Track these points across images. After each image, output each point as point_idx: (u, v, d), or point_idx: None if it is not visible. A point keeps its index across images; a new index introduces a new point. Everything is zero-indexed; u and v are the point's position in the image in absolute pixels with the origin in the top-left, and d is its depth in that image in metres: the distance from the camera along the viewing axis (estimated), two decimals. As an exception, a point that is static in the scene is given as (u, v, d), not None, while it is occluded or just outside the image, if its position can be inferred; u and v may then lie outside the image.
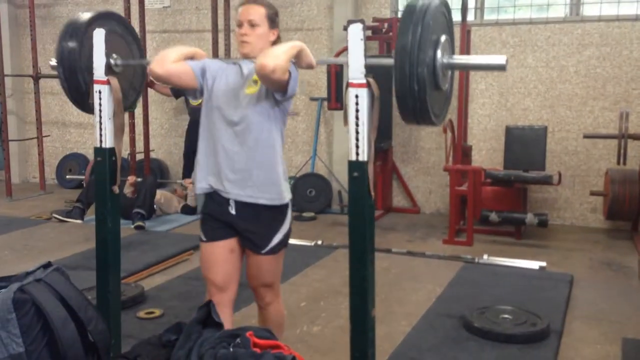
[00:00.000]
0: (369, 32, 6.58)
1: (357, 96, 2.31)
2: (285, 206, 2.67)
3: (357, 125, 2.32)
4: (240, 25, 2.58)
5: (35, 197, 7.56)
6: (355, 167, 2.35)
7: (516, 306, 3.74)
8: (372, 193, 2.37)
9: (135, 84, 2.85)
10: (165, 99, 7.69)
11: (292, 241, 3.46)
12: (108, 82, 2.68)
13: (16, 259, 4.91)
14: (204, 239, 2.72)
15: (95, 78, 2.68)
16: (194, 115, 7.19)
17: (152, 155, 7.38)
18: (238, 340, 2.35)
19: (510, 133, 6.10)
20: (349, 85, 2.32)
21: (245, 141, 2.56)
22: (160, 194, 6.54)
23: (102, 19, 2.62)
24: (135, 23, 6.72)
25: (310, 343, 3.39)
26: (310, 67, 2.42)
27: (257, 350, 2.31)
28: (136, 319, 3.66)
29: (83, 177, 7.59)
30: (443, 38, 2.04)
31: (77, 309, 2.50)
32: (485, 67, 2.23)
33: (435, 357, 3.18)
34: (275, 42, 2.60)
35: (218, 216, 2.66)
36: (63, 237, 5.62)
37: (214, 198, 2.66)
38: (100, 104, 2.70)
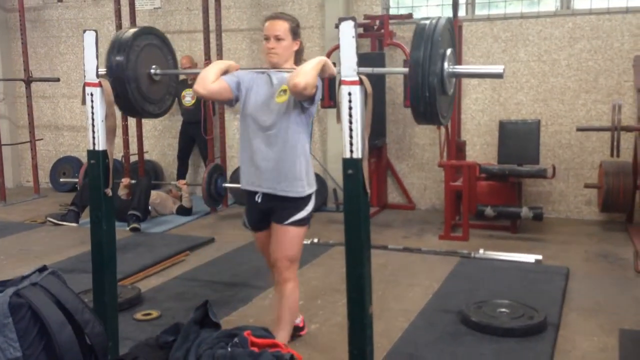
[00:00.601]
0: (361, 30, 6.58)
1: (350, 93, 2.31)
2: (307, 196, 3.00)
3: (350, 122, 2.33)
4: (267, 38, 2.93)
5: (30, 201, 7.54)
6: (350, 164, 2.36)
7: (513, 300, 3.74)
8: (367, 190, 2.37)
9: (170, 89, 3.07)
10: (158, 100, 7.66)
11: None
12: (100, 85, 2.68)
13: (11, 263, 4.90)
14: (248, 226, 3.20)
15: (86, 80, 2.68)
16: (187, 116, 7.19)
17: (146, 156, 7.37)
18: (236, 339, 2.36)
19: (503, 127, 6.11)
20: (341, 82, 2.32)
21: (275, 143, 2.91)
22: (155, 194, 6.53)
23: (144, 34, 2.83)
24: (126, 25, 6.71)
25: (308, 341, 3.39)
26: (332, 77, 2.73)
27: (255, 349, 2.31)
28: (133, 321, 3.65)
29: (77, 180, 7.57)
30: (449, 51, 2.30)
31: (74, 312, 2.49)
32: (484, 75, 2.62)
33: (433, 353, 3.18)
34: (298, 51, 2.99)
35: (251, 206, 3.10)
36: (58, 240, 5.60)
37: (250, 193, 3.08)
38: (92, 107, 2.69)
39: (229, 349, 2.30)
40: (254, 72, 3.05)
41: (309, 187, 3.00)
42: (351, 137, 2.33)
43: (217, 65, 2.93)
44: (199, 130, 6.88)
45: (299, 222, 3.01)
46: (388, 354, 3.17)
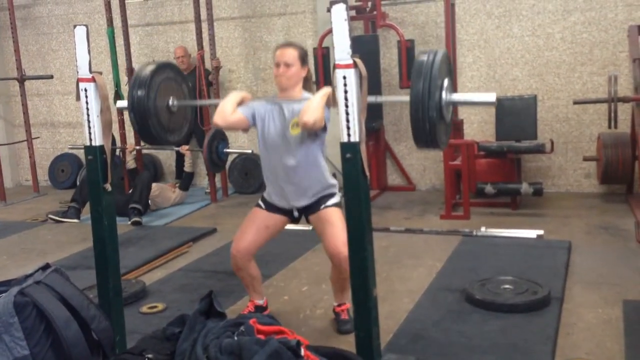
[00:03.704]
0: (353, 12, 6.54)
1: (344, 77, 2.31)
2: (332, 190, 3.27)
3: (346, 106, 2.32)
4: (277, 65, 3.12)
5: (30, 200, 7.53)
6: (348, 148, 2.36)
7: (516, 276, 3.76)
8: (367, 173, 2.37)
9: (187, 116, 3.22)
10: (153, 92, 7.64)
11: (290, 226, 3.50)
12: (93, 80, 2.67)
13: (14, 262, 4.90)
14: (263, 205, 3.34)
15: (79, 76, 2.67)
16: (183, 107, 7.16)
17: (144, 150, 7.35)
18: (242, 328, 2.36)
19: (500, 104, 6.08)
20: (335, 66, 2.31)
21: (296, 171, 3.16)
22: (155, 187, 6.52)
23: (161, 68, 2.98)
24: (116, 18, 6.67)
25: (314, 326, 3.41)
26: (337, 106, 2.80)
27: (262, 336, 2.32)
28: (139, 315, 3.67)
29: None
30: (446, 82, 2.39)
31: (79, 309, 2.50)
32: (479, 103, 2.75)
33: (439, 332, 3.20)
34: (307, 77, 3.20)
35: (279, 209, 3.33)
36: (60, 237, 5.61)
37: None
38: (87, 102, 2.69)
39: (236, 338, 2.30)
40: (266, 102, 3.22)
41: (333, 186, 3.29)
42: (348, 120, 2.33)
43: (233, 98, 3.12)
44: (196, 121, 6.85)
45: (334, 205, 3.24)
46: (394, 335, 3.19)
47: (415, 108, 2.31)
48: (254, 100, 3.21)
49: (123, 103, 2.94)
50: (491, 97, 2.46)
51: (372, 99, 2.48)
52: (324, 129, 3.05)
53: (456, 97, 2.46)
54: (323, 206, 3.22)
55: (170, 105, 3.01)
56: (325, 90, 2.89)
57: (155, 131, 2.94)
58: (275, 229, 3.37)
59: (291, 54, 3.10)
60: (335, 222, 3.17)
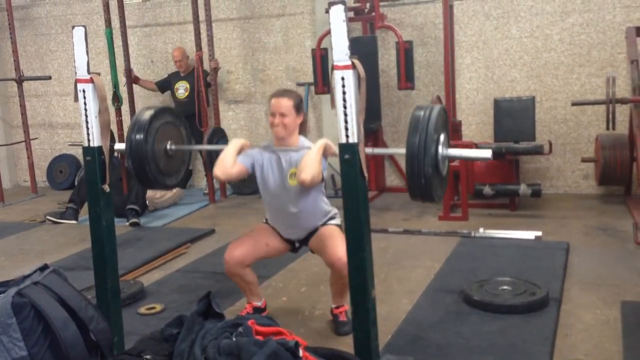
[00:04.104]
0: (351, 14, 6.55)
1: (343, 78, 2.31)
2: (332, 215, 3.33)
3: (345, 107, 2.32)
4: (273, 115, 3.13)
5: (28, 201, 7.52)
6: (346, 149, 2.36)
7: (515, 277, 3.76)
8: (365, 174, 2.37)
9: (185, 159, 3.30)
10: (152, 93, 7.64)
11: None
12: (91, 81, 2.66)
13: (12, 263, 4.90)
14: (269, 224, 3.41)
15: (78, 77, 2.67)
16: (181, 109, 7.14)
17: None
18: (240, 329, 2.36)
19: (498, 105, 6.10)
20: (334, 67, 2.31)
21: (300, 215, 3.23)
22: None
23: (160, 113, 3.06)
24: (114, 19, 6.66)
25: (313, 327, 3.40)
26: (334, 155, 2.79)
27: (260, 337, 2.32)
28: (137, 316, 3.66)
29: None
30: (442, 137, 2.44)
31: (77, 309, 2.49)
32: (475, 158, 3.15)
33: (437, 333, 3.20)
34: (302, 124, 3.21)
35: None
36: (58, 238, 5.60)
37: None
38: (85, 103, 2.68)
39: (234, 339, 2.30)
40: (264, 150, 3.25)
41: (333, 212, 3.35)
42: (346, 122, 2.33)
43: (232, 148, 3.13)
44: (194, 122, 6.86)
45: (334, 224, 3.31)
46: (393, 336, 3.19)
47: (411, 163, 2.36)
48: (253, 148, 3.22)
49: (121, 146, 3.00)
50: (487, 153, 2.56)
51: (368, 150, 2.50)
52: (322, 178, 3.08)
53: (452, 152, 2.53)
54: (322, 225, 3.28)
55: (167, 149, 3.07)
56: (321, 143, 2.95)
57: (152, 176, 3.01)
58: (274, 250, 3.41)
59: (286, 105, 3.12)
60: (334, 236, 3.20)
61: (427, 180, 2.36)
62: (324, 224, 3.30)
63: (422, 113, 2.41)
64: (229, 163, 3.09)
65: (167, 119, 3.11)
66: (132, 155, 2.91)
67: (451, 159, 2.57)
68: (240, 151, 3.16)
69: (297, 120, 3.17)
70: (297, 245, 3.40)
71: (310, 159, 2.92)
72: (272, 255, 3.46)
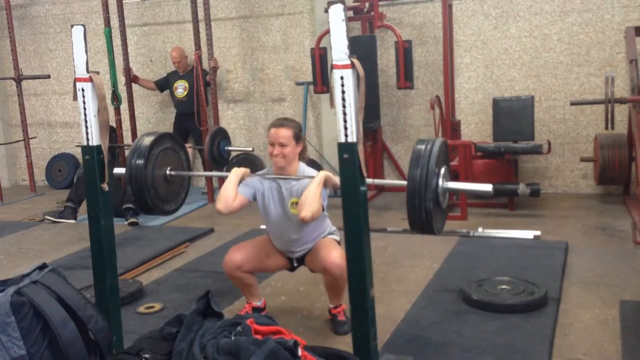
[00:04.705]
0: (351, 13, 6.55)
1: (342, 77, 2.31)
2: (331, 231, 3.34)
3: (344, 106, 2.32)
4: (272, 144, 3.13)
5: (26, 200, 7.52)
6: (345, 148, 2.36)
7: (513, 276, 3.76)
8: (364, 173, 2.37)
9: (184, 184, 3.35)
10: (151, 92, 7.64)
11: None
12: (90, 80, 2.66)
13: (11, 262, 4.89)
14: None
15: (77, 76, 2.66)
16: (180, 108, 7.16)
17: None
18: (239, 328, 2.36)
19: (497, 105, 6.10)
20: (333, 67, 2.31)
21: (302, 240, 3.25)
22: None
23: (160, 139, 3.13)
24: (113, 18, 6.66)
25: (312, 327, 3.40)
26: (336, 187, 2.94)
27: (259, 336, 2.32)
28: (136, 315, 3.66)
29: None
30: (443, 170, 2.49)
31: (76, 308, 2.49)
32: (475, 192, 3.12)
33: (436, 333, 3.20)
34: (302, 152, 3.21)
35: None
36: (57, 237, 5.60)
37: None
38: (84, 102, 2.68)
39: (233, 338, 2.30)
40: (264, 178, 3.26)
41: (330, 229, 3.35)
42: (345, 121, 2.33)
43: (234, 180, 3.12)
44: (193, 121, 6.86)
45: (332, 238, 3.31)
46: (392, 335, 3.19)
47: (412, 197, 2.41)
48: (252, 177, 3.23)
49: (121, 171, 3.06)
50: (487, 187, 2.63)
51: (369, 181, 2.52)
52: (323, 208, 3.07)
53: (452, 185, 2.58)
54: (321, 236, 3.29)
55: (167, 175, 3.13)
56: (321, 177, 2.95)
57: (152, 203, 3.07)
58: (273, 264, 3.42)
59: (285, 135, 3.11)
60: (328, 244, 3.22)
61: (427, 214, 2.41)
62: (322, 237, 3.30)
63: (423, 147, 2.46)
64: (231, 197, 3.08)
65: (168, 144, 3.16)
66: (131, 181, 2.98)
67: (452, 192, 2.63)
68: (240, 181, 3.16)
69: (297, 150, 3.17)
70: (295, 264, 3.40)
71: (310, 194, 2.90)
72: (270, 269, 3.49)
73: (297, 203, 3.04)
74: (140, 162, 2.97)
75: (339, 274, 3.09)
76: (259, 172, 3.35)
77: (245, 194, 3.17)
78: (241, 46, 7.40)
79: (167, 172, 3.14)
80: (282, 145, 3.11)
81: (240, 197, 3.14)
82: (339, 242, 3.28)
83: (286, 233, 3.26)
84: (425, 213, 2.39)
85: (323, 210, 3.06)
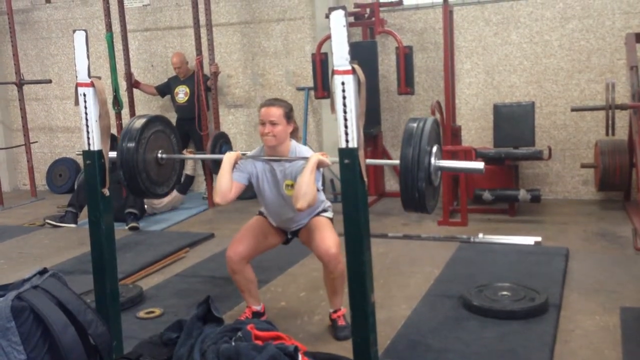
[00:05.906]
0: (351, 19, 6.56)
1: (343, 83, 2.31)
2: (324, 207, 3.39)
3: (345, 112, 2.33)
4: (263, 123, 3.14)
5: (27, 204, 7.52)
6: (346, 154, 2.36)
7: (514, 282, 3.76)
8: (365, 179, 2.38)
9: (175, 167, 3.33)
10: (152, 97, 7.65)
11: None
12: (92, 85, 2.67)
13: (12, 267, 4.89)
14: (265, 216, 3.46)
15: (78, 81, 2.67)
16: (181, 113, 7.17)
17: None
18: (239, 334, 2.36)
19: (498, 111, 6.10)
20: (334, 72, 2.32)
21: (297, 216, 3.29)
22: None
23: (152, 122, 3.09)
24: (115, 23, 6.68)
25: (312, 332, 3.40)
26: (328, 166, 3.03)
27: (259, 342, 2.32)
28: (136, 320, 3.66)
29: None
30: (435, 148, 2.49)
31: (76, 313, 2.49)
32: (467, 170, 2.99)
33: (437, 339, 3.19)
34: (293, 132, 3.23)
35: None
36: (58, 242, 5.60)
37: None
38: (85, 107, 2.69)
39: (233, 343, 2.31)
40: (255, 160, 3.27)
41: (325, 204, 3.41)
42: (346, 126, 2.33)
43: (227, 169, 3.12)
44: (194, 126, 6.87)
45: (325, 216, 3.36)
46: (392, 341, 3.18)
47: (405, 176, 2.42)
48: (245, 161, 3.24)
49: (113, 154, 3.00)
50: (479, 165, 2.64)
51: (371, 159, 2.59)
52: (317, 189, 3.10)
53: (444, 163, 2.56)
54: (312, 215, 3.33)
55: (158, 157, 3.11)
56: (313, 161, 2.93)
57: (144, 186, 3.05)
58: (273, 241, 3.47)
59: (276, 113, 3.13)
60: (323, 227, 3.25)
61: (420, 194, 2.42)
62: (316, 214, 3.34)
63: (415, 125, 2.46)
64: (227, 187, 3.11)
65: (159, 127, 3.14)
66: (123, 166, 2.96)
67: (443, 170, 2.60)
68: (234, 165, 3.18)
69: (288, 129, 3.19)
70: (289, 236, 3.47)
71: (304, 183, 2.88)
72: (269, 248, 3.51)
73: (292, 185, 3.10)
74: (131, 145, 2.95)
75: (334, 264, 3.14)
76: (250, 153, 3.33)
77: (240, 180, 3.21)
78: (242, 51, 7.41)
79: (159, 154, 3.13)
80: (272, 123, 3.12)
81: (236, 185, 3.17)
82: (331, 220, 3.36)
83: (282, 212, 3.32)
84: (417, 192, 2.41)
85: (318, 190, 3.08)
